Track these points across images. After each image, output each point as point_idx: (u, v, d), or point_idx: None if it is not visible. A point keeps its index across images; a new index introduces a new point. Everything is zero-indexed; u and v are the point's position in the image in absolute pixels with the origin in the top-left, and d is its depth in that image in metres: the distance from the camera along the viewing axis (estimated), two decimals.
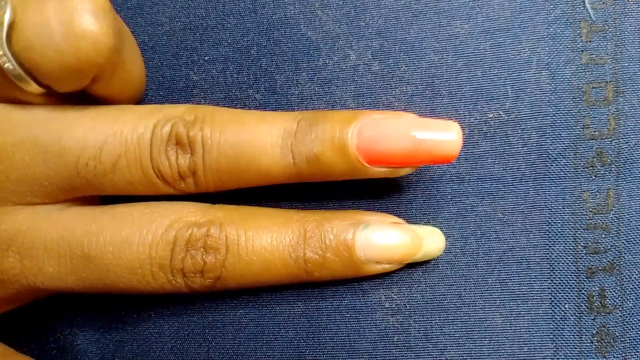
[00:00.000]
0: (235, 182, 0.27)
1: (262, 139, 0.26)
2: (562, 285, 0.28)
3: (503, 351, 0.28)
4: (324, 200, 0.30)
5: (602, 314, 0.28)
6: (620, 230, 0.28)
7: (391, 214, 0.29)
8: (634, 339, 0.29)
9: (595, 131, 0.28)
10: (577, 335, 0.28)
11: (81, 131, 0.25)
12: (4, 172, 0.25)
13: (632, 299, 0.29)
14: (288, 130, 0.26)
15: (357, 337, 0.29)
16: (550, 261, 0.28)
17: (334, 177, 0.27)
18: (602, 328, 0.28)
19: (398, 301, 0.29)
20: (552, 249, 0.28)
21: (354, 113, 0.26)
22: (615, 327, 0.28)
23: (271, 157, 0.26)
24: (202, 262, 0.26)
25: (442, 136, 0.26)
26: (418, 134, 0.25)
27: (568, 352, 0.28)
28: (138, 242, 0.26)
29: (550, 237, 0.28)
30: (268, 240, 0.27)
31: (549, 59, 0.29)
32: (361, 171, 0.26)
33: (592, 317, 0.28)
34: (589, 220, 0.29)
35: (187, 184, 0.27)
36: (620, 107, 0.28)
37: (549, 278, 0.28)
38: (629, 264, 0.29)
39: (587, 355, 0.28)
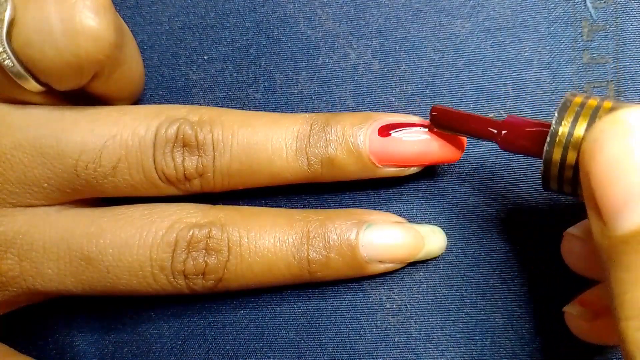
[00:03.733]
0: (245, 183, 0.27)
1: (276, 142, 0.26)
2: (565, 286, 0.28)
3: (504, 352, 0.28)
4: (324, 199, 0.30)
5: None
6: None
7: (393, 213, 0.29)
8: None
9: None
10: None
11: (80, 134, 0.25)
12: (3, 173, 0.25)
13: None
14: (302, 133, 0.27)
15: (357, 337, 0.29)
16: (553, 261, 0.28)
17: (345, 178, 0.27)
18: None
19: (399, 302, 0.29)
20: (555, 249, 0.28)
21: (366, 115, 0.27)
22: None
23: (285, 160, 0.26)
24: (203, 263, 0.26)
25: (449, 138, 0.27)
26: (427, 136, 0.26)
27: (572, 355, 0.28)
28: (138, 243, 0.26)
29: (552, 237, 0.28)
30: (271, 241, 0.27)
31: (550, 58, 0.29)
32: (373, 172, 0.27)
33: None
34: None
35: (193, 185, 0.27)
36: None
37: (551, 278, 0.28)
38: None
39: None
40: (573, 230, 0.26)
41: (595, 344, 0.26)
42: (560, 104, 0.22)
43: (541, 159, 0.22)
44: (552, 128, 0.21)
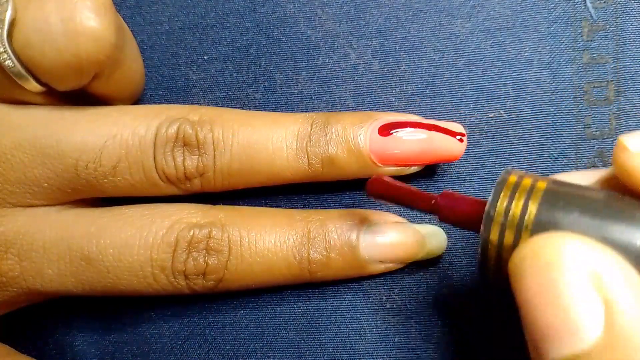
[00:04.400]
0: (245, 183, 0.27)
1: (276, 141, 0.26)
2: None
3: (504, 352, 0.28)
4: (325, 198, 0.30)
5: None
6: None
7: (393, 214, 0.29)
8: None
9: (596, 131, 0.28)
10: None
11: (80, 134, 0.25)
12: (3, 173, 0.25)
13: None
14: (302, 132, 0.27)
15: (357, 337, 0.29)
16: None
17: (346, 177, 0.27)
18: None
19: (399, 302, 0.29)
20: None
21: (367, 115, 0.27)
22: None
23: (285, 159, 0.26)
24: (204, 263, 0.26)
25: (450, 137, 0.27)
26: (427, 135, 0.26)
27: None
28: (139, 244, 0.26)
29: None
30: (271, 241, 0.27)
31: (550, 58, 0.29)
32: (373, 171, 0.27)
33: None
34: None
35: (193, 184, 0.27)
36: (621, 106, 0.28)
37: None
38: None
39: None
40: None
41: None
42: (494, 186, 0.21)
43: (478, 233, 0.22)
44: (485, 212, 0.21)
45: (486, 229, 0.21)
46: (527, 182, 0.21)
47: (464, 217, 0.23)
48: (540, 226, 0.20)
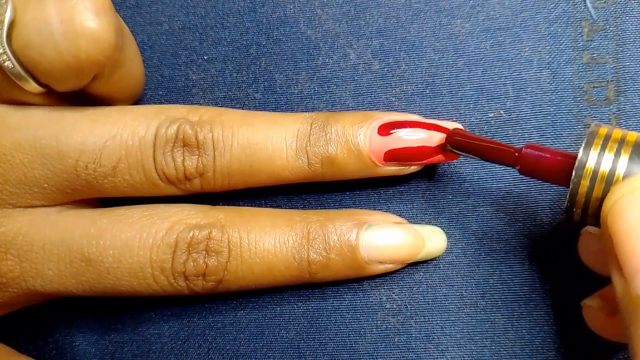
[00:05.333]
0: (245, 183, 0.27)
1: (275, 141, 0.26)
2: (565, 285, 0.28)
3: (504, 352, 0.28)
4: (325, 199, 0.30)
5: None
6: None
7: (393, 214, 0.29)
8: None
9: None
10: (581, 333, 0.28)
11: (80, 134, 0.25)
12: (3, 174, 0.25)
13: None
14: (302, 132, 0.27)
15: (357, 337, 0.29)
16: (553, 262, 0.28)
17: (345, 177, 0.28)
18: None
19: (399, 302, 0.29)
20: (555, 249, 0.28)
21: (366, 114, 0.27)
22: None
23: (285, 159, 0.26)
24: (204, 265, 0.26)
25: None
26: (427, 135, 0.26)
27: (572, 355, 0.28)
28: (138, 245, 0.26)
29: (552, 237, 0.28)
30: (271, 242, 0.27)
31: (550, 58, 0.29)
32: (373, 171, 0.27)
33: None
34: None
35: (193, 185, 0.27)
36: (621, 106, 0.28)
37: (551, 278, 0.28)
38: None
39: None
40: (591, 228, 0.26)
41: (609, 339, 0.26)
42: (585, 137, 0.22)
43: (559, 185, 0.23)
44: (577, 161, 0.22)
45: (577, 175, 0.22)
46: (618, 134, 0.22)
47: (550, 169, 0.23)
48: (632, 174, 0.21)
